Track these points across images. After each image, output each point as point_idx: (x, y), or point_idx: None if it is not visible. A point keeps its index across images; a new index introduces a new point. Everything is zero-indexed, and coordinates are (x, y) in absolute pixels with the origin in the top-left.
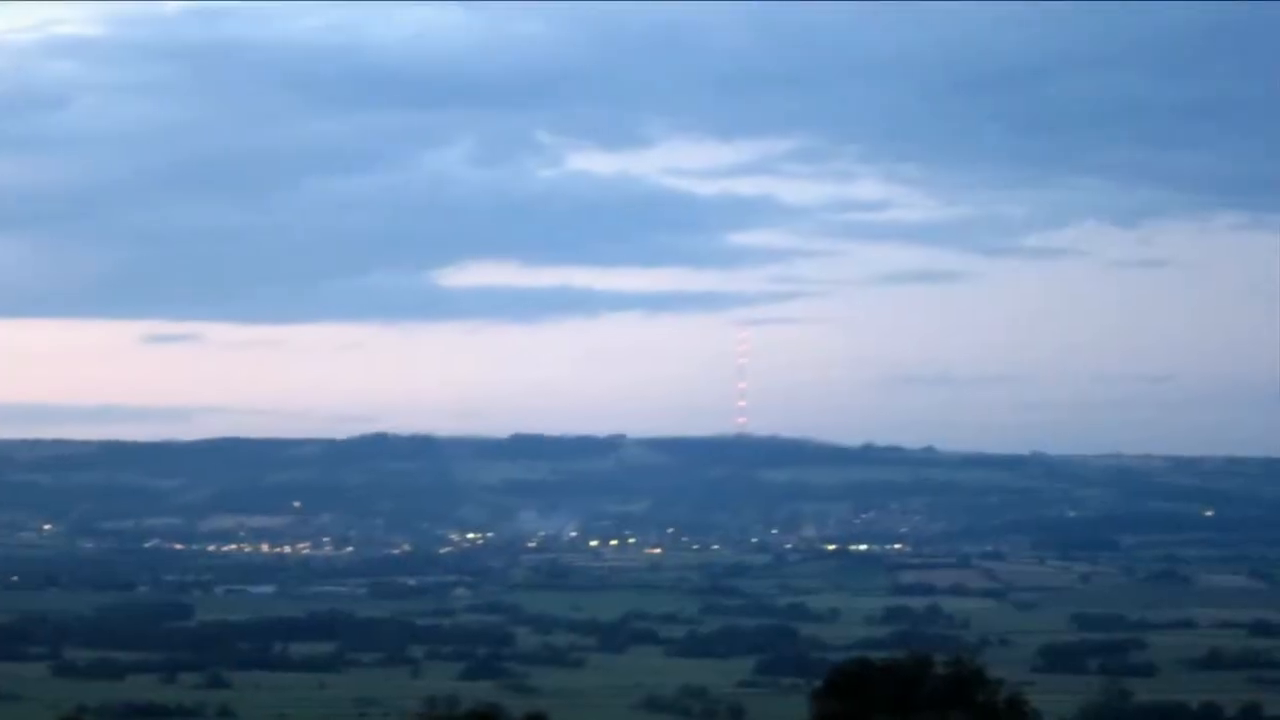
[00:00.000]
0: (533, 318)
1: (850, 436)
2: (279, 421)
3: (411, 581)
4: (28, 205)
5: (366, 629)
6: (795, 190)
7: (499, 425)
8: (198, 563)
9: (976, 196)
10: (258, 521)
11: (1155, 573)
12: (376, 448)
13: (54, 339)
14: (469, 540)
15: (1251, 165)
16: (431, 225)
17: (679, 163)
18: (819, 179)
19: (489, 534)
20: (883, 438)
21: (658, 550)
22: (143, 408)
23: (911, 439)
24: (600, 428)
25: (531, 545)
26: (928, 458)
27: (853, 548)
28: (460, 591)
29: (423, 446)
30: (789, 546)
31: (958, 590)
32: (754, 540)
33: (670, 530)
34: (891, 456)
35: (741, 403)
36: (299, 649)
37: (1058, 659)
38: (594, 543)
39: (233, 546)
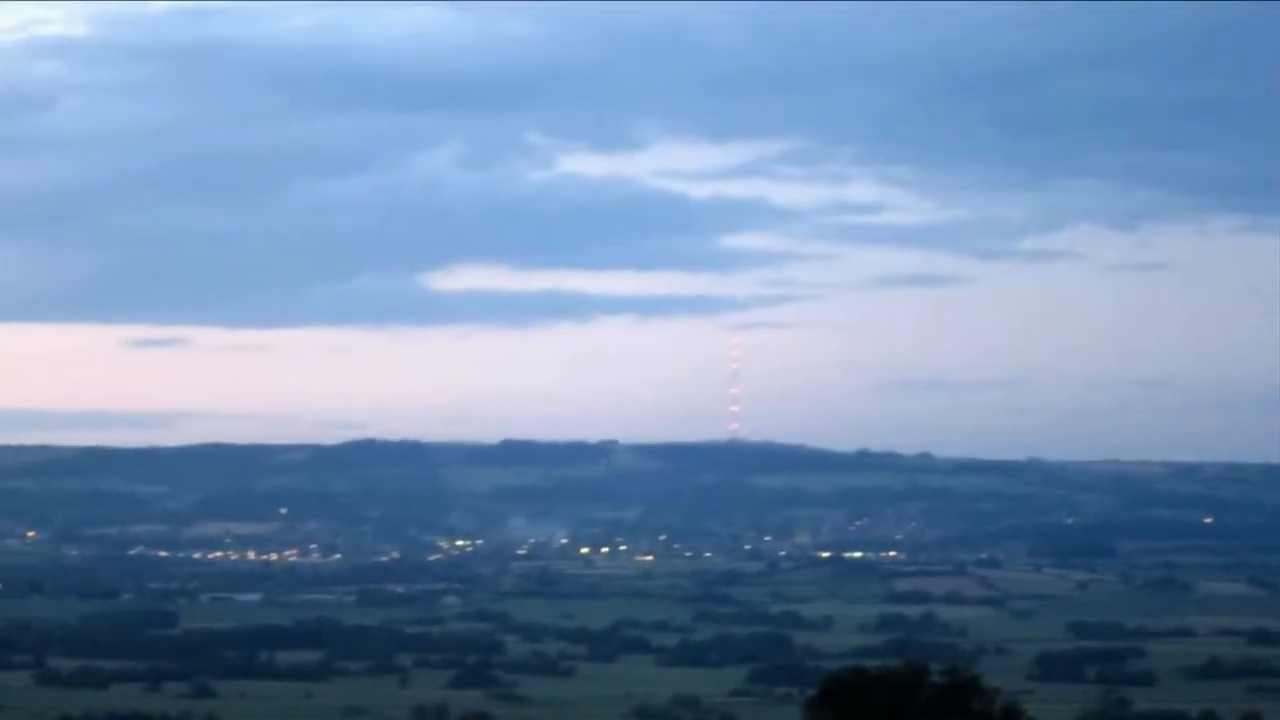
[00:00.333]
0: (523, 322)
1: (844, 442)
2: (266, 427)
3: (400, 589)
4: (10, 208)
5: (354, 637)
6: (789, 193)
7: (489, 431)
8: (183, 570)
9: (972, 199)
10: (244, 528)
11: (1154, 580)
12: (365, 454)
13: (38, 343)
14: (458, 547)
15: (1251, 167)
16: (421, 228)
17: (671, 165)
18: (813, 181)
19: (478, 541)
20: (877, 443)
21: (649, 557)
22: (128, 413)
23: (906, 445)
24: (591, 433)
25: (521, 552)
26: (923, 464)
27: (847, 555)
28: (449, 599)
29: (412, 452)
30: (782, 554)
31: (953, 598)
32: (747, 547)
33: (662, 537)
34: (886, 462)
35: (734, 408)
36: (285, 657)
37: (1055, 668)
38: (585, 550)
39: (219, 554)
